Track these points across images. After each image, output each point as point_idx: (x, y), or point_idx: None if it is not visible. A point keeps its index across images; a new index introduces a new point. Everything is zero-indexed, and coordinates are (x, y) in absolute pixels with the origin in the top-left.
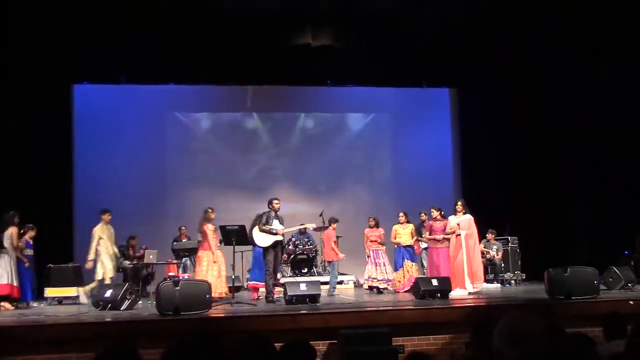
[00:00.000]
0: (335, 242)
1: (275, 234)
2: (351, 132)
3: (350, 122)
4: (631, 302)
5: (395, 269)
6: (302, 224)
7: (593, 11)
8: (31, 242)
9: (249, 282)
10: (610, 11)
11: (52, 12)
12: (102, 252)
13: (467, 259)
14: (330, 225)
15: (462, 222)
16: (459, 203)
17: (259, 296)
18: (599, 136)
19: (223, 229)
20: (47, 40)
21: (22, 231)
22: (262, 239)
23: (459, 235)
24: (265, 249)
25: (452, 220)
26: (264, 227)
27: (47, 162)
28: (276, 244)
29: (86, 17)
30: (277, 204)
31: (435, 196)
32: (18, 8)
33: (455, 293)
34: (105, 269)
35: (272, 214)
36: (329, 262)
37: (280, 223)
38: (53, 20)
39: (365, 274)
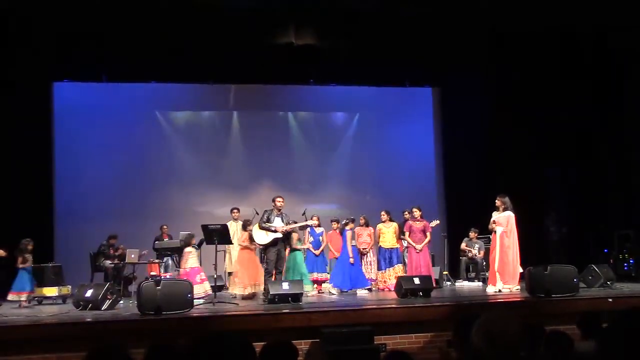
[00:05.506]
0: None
1: (275, 231)
2: (334, 131)
3: (333, 121)
4: (610, 300)
5: (379, 269)
6: (298, 222)
7: (573, 10)
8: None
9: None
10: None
11: (32, 8)
12: None
13: (500, 256)
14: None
15: (500, 218)
16: (497, 199)
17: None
18: (580, 134)
19: (205, 228)
20: (27, 37)
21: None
22: (261, 237)
23: (496, 232)
24: (266, 248)
25: (494, 216)
26: (263, 225)
27: (27, 160)
28: (277, 242)
29: (66, 14)
30: (279, 201)
31: (418, 195)
32: None
33: (488, 289)
34: None
35: (275, 211)
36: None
37: (283, 221)
38: (33, 17)
39: None
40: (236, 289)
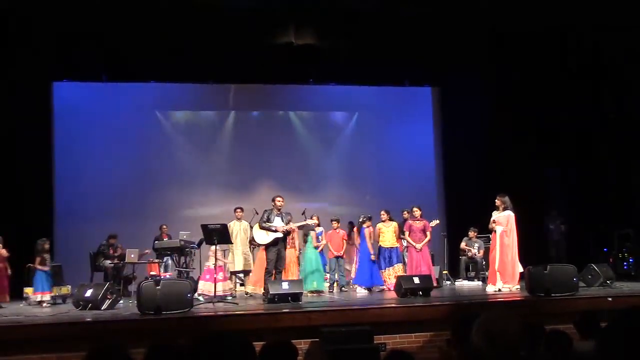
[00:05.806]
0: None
1: (275, 231)
2: (334, 130)
3: (333, 120)
4: (610, 299)
5: (379, 268)
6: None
7: (572, 10)
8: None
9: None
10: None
11: (32, 8)
12: None
13: (500, 256)
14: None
15: (500, 218)
16: (497, 198)
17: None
18: (580, 134)
19: (205, 228)
20: (27, 37)
21: None
22: (262, 236)
23: (495, 231)
24: (266, 247)
25: (493, 215)
26: (263, 225)
27: (27, 160)
28: (277, 242)
29: (66, 14)
30: (279, 201)
31: (418, 194)
32: None
33: (487, 289)
34: None
35: (275, 211)
36: (340, 258)
37: (282, 220)
38: (33, 17)
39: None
40: (250, 287)
